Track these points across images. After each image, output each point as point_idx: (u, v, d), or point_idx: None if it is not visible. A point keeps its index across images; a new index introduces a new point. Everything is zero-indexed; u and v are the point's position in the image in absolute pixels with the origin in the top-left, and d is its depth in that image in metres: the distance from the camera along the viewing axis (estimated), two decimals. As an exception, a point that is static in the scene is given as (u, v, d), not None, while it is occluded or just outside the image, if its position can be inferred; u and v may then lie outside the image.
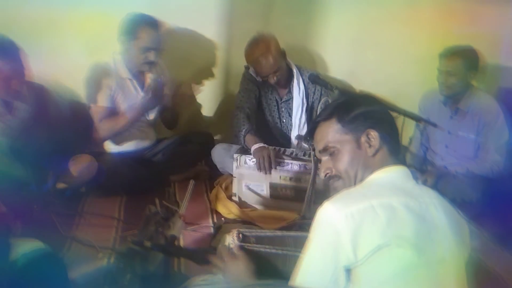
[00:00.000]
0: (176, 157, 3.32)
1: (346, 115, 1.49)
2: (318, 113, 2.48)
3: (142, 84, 3.17)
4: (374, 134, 1.44)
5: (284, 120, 3.32)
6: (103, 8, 3.15)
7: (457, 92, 3.14)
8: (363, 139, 1.45)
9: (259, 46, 3.05)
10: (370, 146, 1.45)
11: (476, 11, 3.59)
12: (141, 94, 3.15)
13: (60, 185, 2.61)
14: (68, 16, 3.21)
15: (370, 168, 1.46)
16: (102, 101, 3.02)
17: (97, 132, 3.04)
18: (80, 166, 2.78)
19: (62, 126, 1.35)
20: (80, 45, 3.25)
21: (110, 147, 3.17)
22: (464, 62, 3.07)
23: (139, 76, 3.16)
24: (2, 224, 1.28)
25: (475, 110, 3.15)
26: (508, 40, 3.63)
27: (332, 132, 1.50)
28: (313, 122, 1.57)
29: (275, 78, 3.09)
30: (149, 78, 3.16)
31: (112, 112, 3.07)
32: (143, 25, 2.99)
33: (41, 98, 1.41)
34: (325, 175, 1.53)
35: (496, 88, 3.65)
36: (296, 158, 2.94)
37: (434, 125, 2.97)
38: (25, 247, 1.62)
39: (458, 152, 3.22)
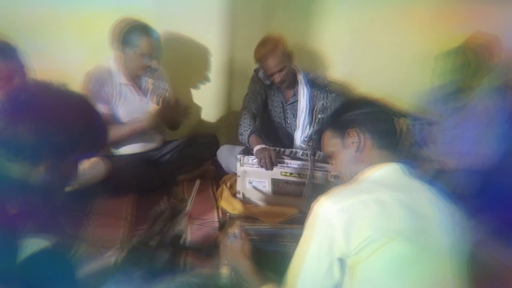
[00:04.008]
0: (184, 157, 3.31)
1: (334, 122, 1.59)
2: (315, 116, 2.48)
3: (142, 89, 3.16)
4: (353, 133, 1.49)
5: (289, 121, 3.31)
6: (106, 9, 3.11)
7: (453, 92, 3.14)
8: (347, 139, 1.51)
9: (266, 45, 3.06)
10: (353, 143, 1.49)
11: (469, 14, 3.55)
12: (143, 99, 3.14)
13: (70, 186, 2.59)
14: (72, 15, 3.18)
15: (359, 163, 1.49)
16: (104, 109, 2.95)
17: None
18: (90, 168, 2.79)
19: (72, 127, 1.34)
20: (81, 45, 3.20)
21: (121, 149, 3.15)
22: (460, 62, 3.07)
23: (138, 81, 3.14)
24: (12, 224, 1.26)
25: (473, 107, 3.14)
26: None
27: (327, 139, 1.59)
28: (318, 132, 1.65)
29: (279, 77, 3.09)
30: (150, 84, 3.16)
31: (114, 118, 3.05)
32: (142, 34, 2.95)
33: (49, 96, 1.40)
34: (331, 176, 1.61)
35: (491, 87, 3.62)
36: (295, 157, 2.93)
37: (429, 123, 2.95)
38: (34, 246, 1.61)
39: (455, 148, 3.19)
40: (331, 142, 1.56)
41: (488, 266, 2.38)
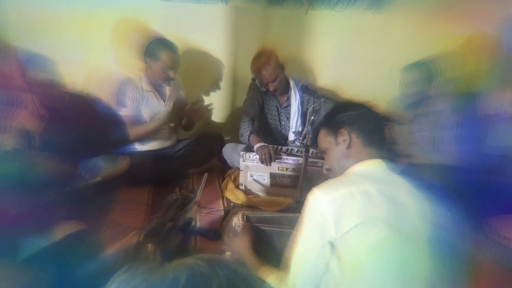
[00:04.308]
0: (194, 154, 3.31)
1: (327, 122, 1.58)
2: (308, 118, 2.48)
3: (162, 95, 3.16)
4: (344, 132, 1.50)
5: (283, 123, 3.31)
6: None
7: (416, 100, 3.16)
8: (339, 138, 1.51)
9: (261, 59, 3.06)
10: (344, 141, 1.50)
11: (436, 32, 3.57)
12: (162, 103, 3.14)
13: (98, 178, 2.60)
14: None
15: (349, 159, 1.49)
16: (129, 111, 3.00)
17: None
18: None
19: (100, 129, 1.35)
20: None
21: (143, 146, 3.15)
22: (421, 75, 3.10)
23: (159, 89, 3.15)
24: (51, 210, 1.27)
25: (430, 113, 3.17)
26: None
27: (322, 137, 1.59)
28: (314, 130, 1.64)
29: (273, 86, 3.09)
30: (169, 90, 3.16)
31: (137, 119, 3.05)
32: (165, 49, 2.98)
33: (80, 104, 1.41)
34: (325, 169, 1.61)
35: (448, 94, 3.65)
36: (291, 154, 2.94)
37: (401, 123, 2.97)
38: (70, 228, 1.61)
39: (419, 147, 3.21)
40: (325, 139, 1.56)
41: (454, 245, 2.38)
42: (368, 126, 1.48)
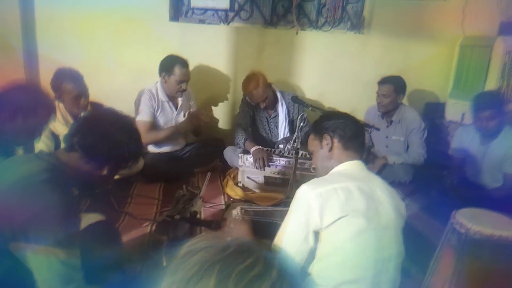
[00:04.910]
0: (199, 156, 3.32)
1: (315, 128, 1.59)
2: (298, 124, 2.50)
3: (175, 105, 3.18)
4: (326, 137, 1.51)
5: (272, 131, 3.32)
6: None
7: (390, 109, 3.20)
8: (323, 142, 1.52)
9: (251, 83, 3.08)
10: (326, 145, 1.51)
11: (407, 51, 3.65)
12: (175, 112, 3.16)
13: (117, 176, 2.61)
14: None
15: (331, 160, 1.51)
16: (147, 117, 3.03)
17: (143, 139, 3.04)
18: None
19: (118, 134, 1.35)
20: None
21: (157, 148, 3.17)
22: (394, 87, 3.13)
23: (173, 99, 3.17)
24: (75, 203, 1.28)
25: (402, 120, 3.22)
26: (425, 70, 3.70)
27: (310, 141, 1.60)
28: (305, 135, 1.65)
29: (264, 104, 3.13)
30: (180, 101, 3.17)
31: (153, 125, 3.08)
32: (178, 64, 3.01)
33: (105, 116, 1.45)
34: (312, 168, 1.62)
35: (418, 103, 3.70)
36: (282, 156, 2.94)
37: (378, 129, 2.99)
38: (91, 219, 1.62)
39: (394, 150, 3.25)
40: (313, 143, 1.58)
41: (419, 232, 2.41)
42: (348, 133, 1.50)
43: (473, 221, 1.51)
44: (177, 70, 3.00)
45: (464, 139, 2.92)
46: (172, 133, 3.12)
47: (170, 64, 3.02)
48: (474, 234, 1.48)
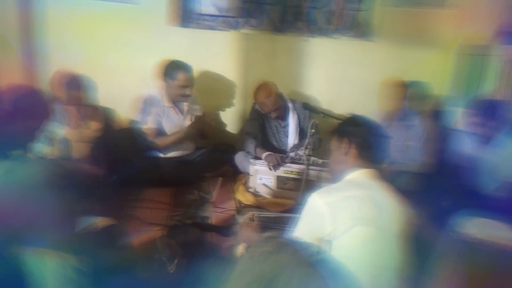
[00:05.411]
0: (209, 161, 3.31)
1: (338, 129, 1.59)
2: (309, 131, 2.49)
3: (181, 110, 3.18)
4: (345, 141, 1.51)
5: (283, 140, 3.30)
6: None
7: (403, 113, 3.15)
8: (341, 144, 1.52)
9: (262, 92, 3.09)
10: (344, 148, 1.51)
11: (415, 59, 3.60)
12: (181, 117, 3.16)
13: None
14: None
15: (344, 164, 1.51)
16: (152, 124, 3.03)
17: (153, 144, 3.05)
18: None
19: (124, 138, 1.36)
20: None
21: (165, 154, 3.16)
22: (411, 91, 3.10)
23: (178, 104, 3.16)
24: (75, 206, 1.29)
25: (404, 126, 3.16)
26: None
27: (332, 140, 1.59)
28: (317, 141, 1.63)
29: (275, 113, 3.13)
30: (186, 106, 3.17)
31: (159, 132, 3.08)
32: (181, 69, 3.00)
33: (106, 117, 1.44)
34: (326, 167, 1.61)
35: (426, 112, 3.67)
36: (294, 162, 2.93)
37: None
38: (102, 223, 1.63)
39: (393, 153, 3.15)
40: (333, 143, 1.57)
41: (423, 239, 2.38)
42: (367, 141, 1.49)
43: (472, 227, 1.52)
44: (180, 75, 2.99)
45: (462, 144, 2.91)
46: (179, 138, 3.10)
47: (173, 69, 3.01)
48: (474, 240, 1.49)
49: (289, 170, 2.89)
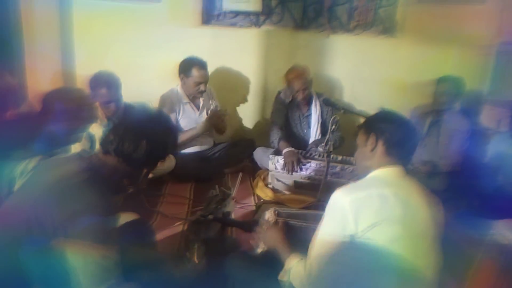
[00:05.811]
0: (229, 156, 3.32)
1: (366, 124, 1.54)
2: (330, 127, 2.46)
3: (197, 106, 3.20)
4: (373, 136, 1.46)
5: (305, 131, 3.29)
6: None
7: (445, 108, 3.05)
8: (369, 140, 1.47)
9: (295, 70, 3.12)
10: (371, 144, 1.46)
11: (442, 54, 3.49)
12: (197, 112, 3.18)
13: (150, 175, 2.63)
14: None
15: (370, 160, 1.47)
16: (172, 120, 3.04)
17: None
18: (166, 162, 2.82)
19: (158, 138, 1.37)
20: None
21: (184, 149, 3.18)
22: (453, 86, 3.02)
23: (194, 100, 3.19)
24: (110, 204, 1.30)
25: (441, 122, 3.08)
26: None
27: (359, 134, 1.53)
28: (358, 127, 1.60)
29: (303, 94, 3.11)
30: (202, 101, 3.19)
31: (177, 127, 3.09)
32: (196, 66, 3.02)
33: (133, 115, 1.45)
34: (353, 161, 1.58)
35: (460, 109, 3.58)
36: (314, 158, 2.92)
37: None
38: (126, 218, 1.65)
39: (428, 151, 3.10)
40: (360, 137, 1.52)
41: (454, 241, 2.34)
42: (395, 138, 1.43)
43: (505, 230, 1.46)
44: (195, 72, 3.01)
45: (500, 146, 2.83)
46: (194, 135, 3.13)
47: (188, 66, 3.03)
48: (507, 242, 1.43)
49: (305, 175, 2.87)
